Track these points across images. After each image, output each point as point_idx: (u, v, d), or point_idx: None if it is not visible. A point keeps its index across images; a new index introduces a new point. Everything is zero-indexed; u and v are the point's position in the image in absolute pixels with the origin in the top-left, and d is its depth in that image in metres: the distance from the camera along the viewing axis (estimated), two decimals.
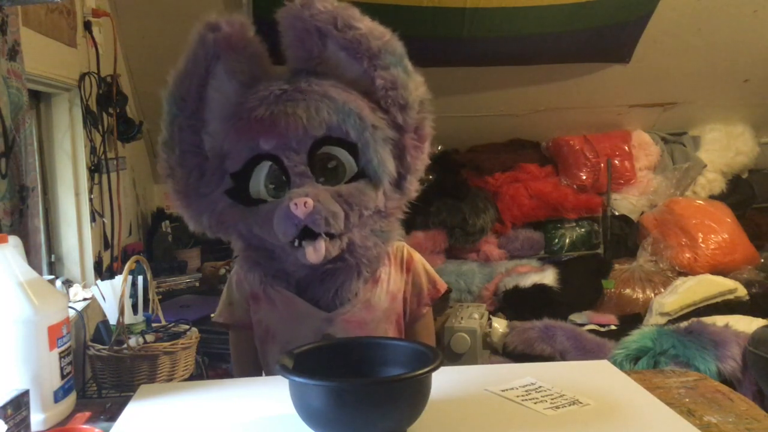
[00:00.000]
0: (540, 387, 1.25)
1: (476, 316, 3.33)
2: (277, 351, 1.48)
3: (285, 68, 1.45)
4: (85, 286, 2.31)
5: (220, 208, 1.41)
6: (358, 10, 1.39)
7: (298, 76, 1.40)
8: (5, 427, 1.01)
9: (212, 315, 1.61)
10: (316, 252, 1.32)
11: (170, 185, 1.45)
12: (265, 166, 1.38)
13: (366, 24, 1.38)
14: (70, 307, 1.89)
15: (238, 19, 1.39)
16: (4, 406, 1.03)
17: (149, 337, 1.63)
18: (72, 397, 1.27)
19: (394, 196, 1.44)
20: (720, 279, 3.40)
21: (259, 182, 1.39)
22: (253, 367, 1.57)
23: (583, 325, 3.27)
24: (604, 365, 1.42)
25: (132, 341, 1.57)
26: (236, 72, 1.39)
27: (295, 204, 1.28)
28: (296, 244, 1.34)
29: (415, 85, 1.41)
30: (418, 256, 1.59)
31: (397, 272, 1.53)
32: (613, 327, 3.26)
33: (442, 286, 1.59)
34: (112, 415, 1.23)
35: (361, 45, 1.36)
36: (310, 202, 1.29)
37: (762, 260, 3.88)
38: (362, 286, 1.45)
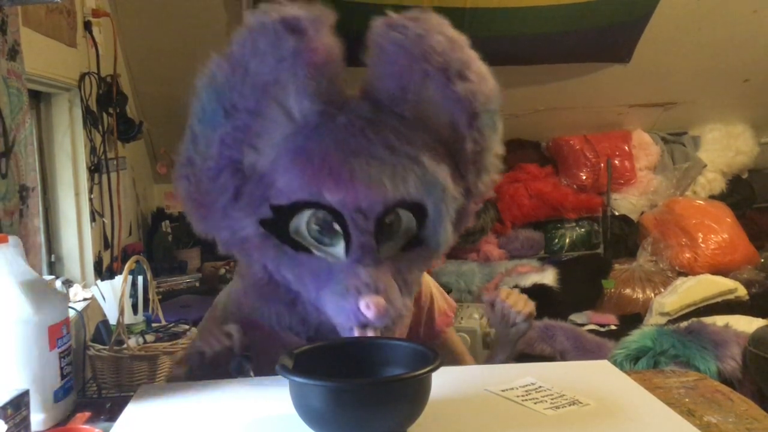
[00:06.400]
0: (540, 387, 1.24)
1: (476, 316, 3.32)
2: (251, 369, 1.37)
3: (358, 91, 1.22)
4: (85, 286, 2.31)
5: (247, 234, 1.20)
6: (472, 52, 1.20)
7: (382, 112, 1.19)
8: (5, 427, 1.01)
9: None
10: (364, 335, 1.18)
11: (183, 189, 1.20)
12: (317, 211, 1.17)
13: (476, 71, 1.20)
14: (70, 307, 1.88)
15: (321, 20, 1.11)
16: (4, 406, 1.03)
17: (149, 337, 1.63)
18: (72, 397, 1.27)
19: None
20: (720, 279, 3.40)
21: (302, 221, 1.19)
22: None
23: (583, 325, 3.27)
24: (604, 365, 1.42)
25: (132, 341, 1.57)
26: (310, 93, 1.14)
27: (367, 305, 1.13)
28: None
29: (498, 142, 1.26)
30: (426, 279, 1.46)
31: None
32: (613, 327, 3.26)
33: (452, 307, 1.49)
34: (112, 415, 1.22)
35: (469, 103, 1.18)
36: (382, 304, 1.13)
37: (762, 260, 3.88)
38: None
